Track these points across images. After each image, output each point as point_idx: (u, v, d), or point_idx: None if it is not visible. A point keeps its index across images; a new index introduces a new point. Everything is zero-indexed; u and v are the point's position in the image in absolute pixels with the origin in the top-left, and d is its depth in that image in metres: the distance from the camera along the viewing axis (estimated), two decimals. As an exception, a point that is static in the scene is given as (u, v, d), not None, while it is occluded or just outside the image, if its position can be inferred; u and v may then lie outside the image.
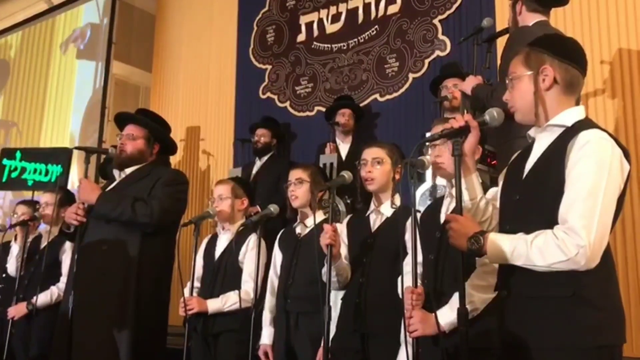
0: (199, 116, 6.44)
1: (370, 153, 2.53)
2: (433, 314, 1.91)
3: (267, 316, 2.89)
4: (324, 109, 5.43)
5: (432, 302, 1.95)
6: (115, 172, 3.31)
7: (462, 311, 1.71)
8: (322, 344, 2.32)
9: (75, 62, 7.07)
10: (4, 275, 3.89)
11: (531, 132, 1.82)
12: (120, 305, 2.85)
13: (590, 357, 1.53)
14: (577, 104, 1.82)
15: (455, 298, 2.06)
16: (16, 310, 3.57)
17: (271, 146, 5.22)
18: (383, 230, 2.50)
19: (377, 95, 5.19)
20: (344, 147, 4.78)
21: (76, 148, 3.31)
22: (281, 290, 2.82)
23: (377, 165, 2.50)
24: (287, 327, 2.77)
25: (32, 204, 4.07)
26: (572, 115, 1.73)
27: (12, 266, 3.78)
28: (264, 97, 5.95)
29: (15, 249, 3.83)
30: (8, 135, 7.49)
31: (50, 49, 7.39)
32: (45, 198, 3.89)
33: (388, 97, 5.14)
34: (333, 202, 2.40)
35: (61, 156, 5.28)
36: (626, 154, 1.65)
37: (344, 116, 4.81)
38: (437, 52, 4.90)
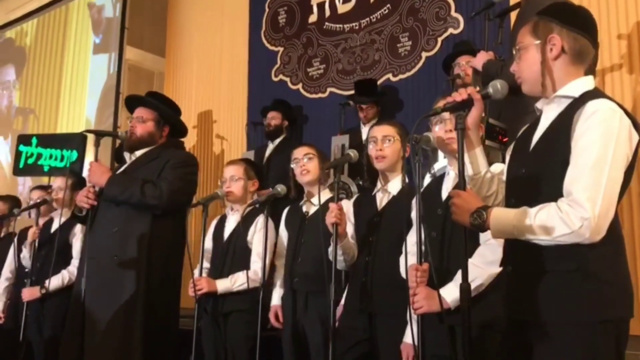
0: (212, 100, 6.43)
1: (381, 131, 2.50)
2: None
3: (277, 282, 2.90)
4: (336, 90, 5.39)
5: (435, 279, 1.92)
6: (126, 155, 3.32)
7: (464, 287, 1.68)
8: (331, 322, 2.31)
9: (89, 48, 7.09)
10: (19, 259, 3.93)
11: (539, 104, 1.77)
12: (132, 287, 2.86)
13: (596, 332, 1.50)
14: (590, 74, 1.76)
15: (460, 274, 2.04)
16: (29, 293, 3.61)
17: (283, 129, 5.19)
18: (389, 209, 2.47)
19: (389, 75, 5.12)
20: (365, 131, 4.70)
21: (85, 131, 3.31)
22: (288, 269, 2.81)
23: (387, 143, 2.47)
24: (294, 307, 2.76)
25: (46, 188, 4.11)
26: (580, 85, 1.67)
27: (26, 253, 3.82)
28: (276, 79, 5.91)
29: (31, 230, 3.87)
30: (26, 122, 7.56)
31: (65, 35, 7.42)
32: (57, 182, 3.92)
33: (401, 76, 5.07)
34: (338, 181, 2.37)
35: (76, 141, 5.33)
36: (636, 124, 1.59)
37: (362, 110, 4.73)
38: (450, 30, 4.82)
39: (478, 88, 1.80)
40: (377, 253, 2.43)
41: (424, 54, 4.96)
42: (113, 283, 2.88)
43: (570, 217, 1.49)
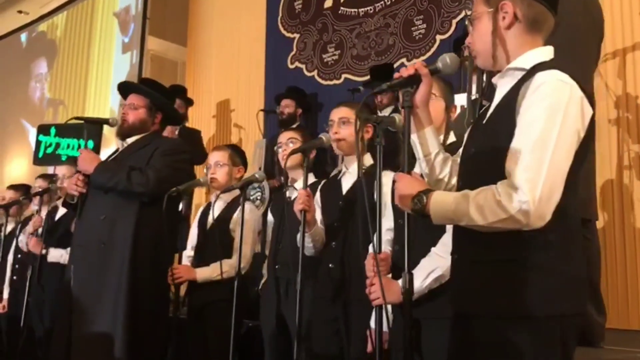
0: (230, 89, 6.40)
1: (337, 113, 2.40)
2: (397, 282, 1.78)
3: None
4: (351, 77, 5.26)
5: (406, 266, 1.79)
6: (118, 142, 3.31)
7: (408, 277, 1.56)
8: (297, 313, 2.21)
9: (114, 39, 7.17)
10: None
11: (494, 79, 1.62)
12: (118, 275, 2.84)
13: (538, 328, 1.35)
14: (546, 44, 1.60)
15: (422, 265, 1.92)
16: (34, 243, 3.63)
17: (296, 117, 5.10)
18: (353, 193, 2.36)
19: (404, 60, 4.97)
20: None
21: (75, 118, 3.32)
22: (271, 256, 2.73)
23: (343, 126, 2.36)
24: (277, 295, 2.69)
25: (50, 177, 4.15)
26: (534, 56, 1.51)
27: (24, 239, 3.87)
28: (292, 66, 5.84)
29: (35, 217, 3.93)
30: (56, 113, 7.73)
31: (92, 27, 7.53)
32: (63, 171, 3.96)
33: (415, 60, 4.90)
34: (307, 165, 2.26)
35: (92, 131, 5.36)
36: (590, 98, 1.43)
37: (376, 96, 4.57)
38: (465, 11, 4.62)
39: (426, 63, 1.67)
40: (342, 238, 2.33)
41: (439, 37, 4.79)
42: (100, 270, 2.87)
43: (507, 200, 1.34)
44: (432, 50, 4.81)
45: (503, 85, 1.55)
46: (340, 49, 5.48)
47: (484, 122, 1.58)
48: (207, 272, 2.83)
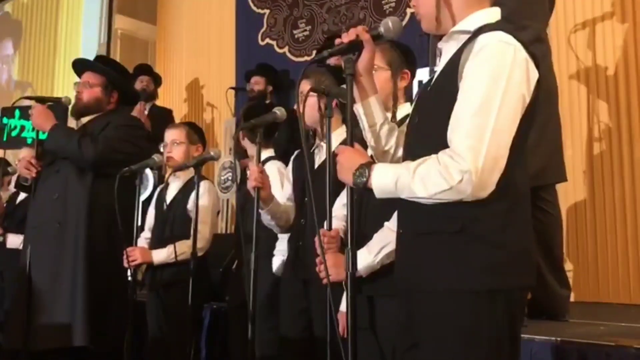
0: (201, 68, 6.27)
1: (302, 86, 2.29)
2: None
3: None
4: (322, 53, 5.16)
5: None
6: (72, 122, 3.21)
7: (350, 252, 1.49)
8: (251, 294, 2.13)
9: (80, 17, 6.98)
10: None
11: (439, 44, 1.54)
12: (74, 255, 2.77)
13: (481, 302, 1.29)
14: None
15: (375, 239, 1.85)
16: None
17: (266, 94, 5.00)
18: (323, 168, 2.26)
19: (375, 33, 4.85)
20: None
21: (25, 98, 3.22)
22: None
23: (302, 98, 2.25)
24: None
25: (2, 161, 4.04)
26: (479, 18, 1.43)
27: None
28: (263, 43, 5.71)
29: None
30: (24, 95, 7.52)
31: (58, 6, 7.32)
32: (23, 153, 3.84)
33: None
34: (260, 141, 2.17)
35: (57, 112, 5.23)
36: (536, 60, 1.35)
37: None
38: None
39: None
40: (310, 215, 2.24)
41: (409, 10, 4.68)
42: (56, 251, 2.80)
43: (449, 170, 1.27)
44: (403, 23, 4.68)
45: (448, 50, 1.47)
46: (310, 25, 5.36)
47: (428, 89, 1.50)
48: (163, 255, 2.75)
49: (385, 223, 1.84)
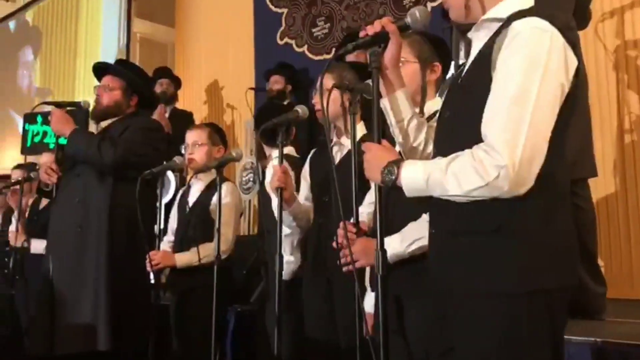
0: (221, 69, 6.25)
1: (325, 80, 2.22)
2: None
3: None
4: (341, 50, 5.10)
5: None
6: (92, 126, 3.20)
7: (380, 254, 1.43)
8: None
9: (100, 23, 7.00)
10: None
11: (469, 34, 1.47)
12: (96, 259, 2.76)
13: (520, 305, 1.22)
14: None
15: (409, 229, 1.75)
16: (14, 235, 3.53)
17: (286, 93, 4.95)
18: (345, 165, 2.20)
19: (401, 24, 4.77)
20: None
21: (44, 103, 3.21)
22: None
23: (325, 93, 2.19)
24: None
25: (28, 166, 4.04)
26: (511, 4, 1.35)
27: (13, 228, 3.77)
28: (281, 42, 5.66)
29: (15, 214, 3.82)
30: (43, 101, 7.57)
31: (78, 12, 7.35)
32: (44, 159, 3.84)
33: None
34: (282, 141, 2.12)
35: (78, 116, 5.25)
36: (574, 47, 1.28)
37: None
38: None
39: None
40: (330, 214, 2.18)
41: (430, 5, 4.59)
42: (78, 256, 2.79)
43: (484, 165, 1.20)
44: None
45: (478, 40, 1.40)
46: (329, 22, 5.30)
47: (459, 81, 1.43)
48: (187, 258, 2.71)
49: (424, 215, 1.77)
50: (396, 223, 1.83)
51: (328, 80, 2.13)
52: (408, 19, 1.48)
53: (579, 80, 1.30)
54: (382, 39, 1.48)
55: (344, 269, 1.71)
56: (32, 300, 3.54)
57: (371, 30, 1.48)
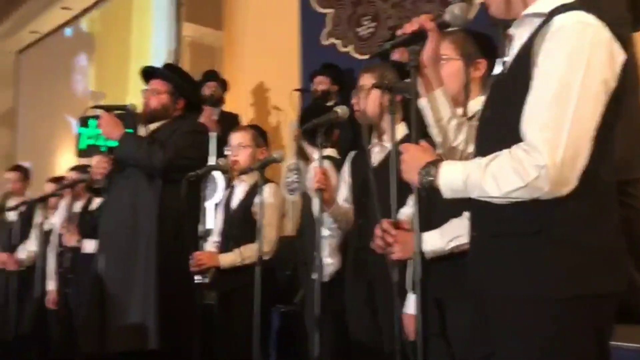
0: (267, 71, 6.28)
1: (362, 80, 2.21)
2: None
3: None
4: (387, 49, 5.07)
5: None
6: (140, 129, 3.26)
7: (419, 256, 1.40)
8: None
9: (150, 28, 7.17)
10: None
11: (510, 30, 1.42)
12: (145, 260, 2.81)
13: (563, 311, 1.17)
14: None
15: (451, 225, 1.71)
16: (69, 238, 3.65)
17: (332, 94, 4.94)
18: (385, 166, 2.17)
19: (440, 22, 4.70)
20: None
21: (93, 107, 3.29)
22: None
23: (365, 93, 2.18)
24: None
25: (82, 168, 4.16)
26: None
27: (56, 219, 3.90)
28: (326, 43, 5.65)
29: (61, 207, 3.93)
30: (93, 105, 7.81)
31: (130, 17, 7.55)
32: (94, 161, 3.93)
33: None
34: (322, 142, 2.11)
35: (127, 119, 5.39)
36: (622, 41, 1.22)
37: None
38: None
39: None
40: (370, 215, 2.15)
41: (478, 0, 4.50)
42: (128, 256, 2.85)
43: (523, 165, 1.16)
44: (472, 14, 4.52)
45: (520, 36, 1.36)
46: (375, 21, 5.26)
47: (500, 80, 1.39)
48: (230, 258, 2.74)
49: (465, 212, 1.73)
50: (438, 223, 1.80)
51: (368, 80, 2.11)
52: (447, 16, 1.45)
53: (629, 75, 1.24)
54: (420, 37, 1.46)
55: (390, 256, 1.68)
56: (83, 298, 3.66)
57: (409, 28, 1.46)
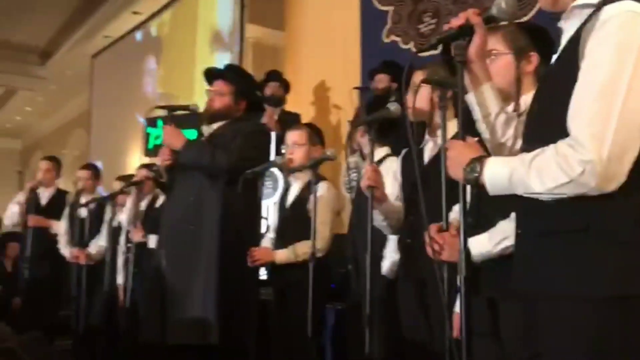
0: (327, 70, 6.31)
1: (414, 77, 2.19)
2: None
3: None
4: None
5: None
6: (204, 128, 3.36)
7: (464, 253, 1.38)
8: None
9: (215, 30, 7.35)
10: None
11: (559, 23, 1.38)
12: (208, 256, 2.88)
13: (612, 311, 1.13)
14: None
15: (499, 227, 1.68)
16: (136, 233, 3.81)
17: (391, 91, 4.91)
18: (437, 162, 2.15)
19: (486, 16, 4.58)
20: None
21: (158, 107, 3.40)
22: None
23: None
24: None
25: (151, 166, 4.31)
26: None
27: (124, 216, 4.06)
28: (387, 40, 5.62)
29: (128, 204, 4.09)
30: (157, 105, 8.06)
31: (196, 20, 7.76)
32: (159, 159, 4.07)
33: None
34: (373, 139, 2.11)
35: (192, 120, 5.56)
36: None
37: None
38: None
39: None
40: (421, 212, 2.13)
41: (541, -7, 4.36)
42: (190, 252, 2.93)
43: (568, 161, 1.13)
44: (534, 10, 4.38)
45: (568, 29, 1.31)
46: (436, 18, 5.19)
47: (549, 74, 1.35)
48: (285, 255, 2.79)
49: (512, 214, 1.69)
50: (489, 222, 1.76)
51: (419, 77, 2.09)
52: (494, 10, 1.42)
53: None
54: (467, 31, 1.44)
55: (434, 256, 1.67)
56: (146, 292, 3.80)
57: (456, 23, 1.44)
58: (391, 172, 2.42)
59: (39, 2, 9.00)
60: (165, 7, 8.41)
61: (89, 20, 9.44)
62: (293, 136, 2.97)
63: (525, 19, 4.25)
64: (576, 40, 1.22)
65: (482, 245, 1.63)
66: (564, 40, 1.33)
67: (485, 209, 1.76)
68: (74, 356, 4.43)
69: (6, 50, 10.75)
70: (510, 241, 1.60)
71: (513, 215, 1.65)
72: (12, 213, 4.84)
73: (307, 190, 2.88)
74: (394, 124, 2.63)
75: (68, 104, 12.89)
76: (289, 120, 5.37)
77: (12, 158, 15.65)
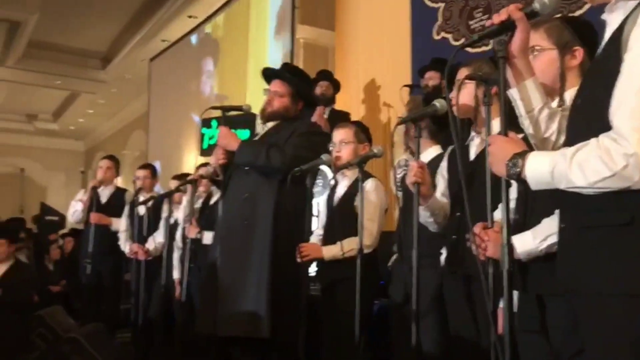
0: (378, 69, 6.31)
1: (459, 73, 2.19)
2: None
3: None
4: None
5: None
6: (259, 126, 3.43)
7: (507, 248, 1.39)
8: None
9: (267, 32, 7.47)
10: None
11: (603, 15, 1.37)
12: (261, 252, 2.95)
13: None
14: None
15: (543, 225, 1.66)
16: (191, 229, 3.91)
17: (441, 88, 4.88)
18: (483, 158, 2.14)
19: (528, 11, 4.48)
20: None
21: (212, 108, 3.50)
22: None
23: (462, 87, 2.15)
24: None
25: (207, 165, 4.44)
26: None
27: (180, 213, 4.20)
28: (438, 37, 5.59)
29: (184, 202, 4.23)
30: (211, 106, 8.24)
31: (248, 22, 7.90)
32: (212, 159, 4.19)
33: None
34: (418, 136, 2.13)
35: (248, 121, 5.69)
36: None
37: None
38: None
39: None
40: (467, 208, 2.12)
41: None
42: (244, 248, 3.01)
43: (611, 154, 1.13)
44: (587, 6, 4.27)
45: (612, 22, 1.31)
46: (487, 14, 5.12)
47: (592, 67, 1.34)
48: (333, 251, 2.82)
49: (556, 211, 1.68)
50: (537, 219, 1.75)
51: (464, 74, 2.10)
52: (536, 5, 1.43)
53: None
54: (509, 27, 1.44)
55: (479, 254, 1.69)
56: (201, 286, 3.91)
57: (497, 18, 1.45)
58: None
59: (99, 10, 9.37)
60: (219, 9, 8.60)
61: (147, 25, 9.77)
62: (340, 134, 3.01)
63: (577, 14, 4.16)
64: (620, 32, 1.21)
65: (527, 243, 1.62)
66: (607, 33, 1.32)
67: (533, 207, 1.75)
68: (133, 347, 4.61)
69: (69, 56, 11.25)
70: (555, 238, 1.59)
71: (557, 212, 1.65)
72: (75, 211, 5.07)
73: (354, 187, 2.91)
74: (445, 121, 2.64)
75: (128, 107, 13.36)
76: (339, 119, 5.42)
77: (76, 159, 16.33)
